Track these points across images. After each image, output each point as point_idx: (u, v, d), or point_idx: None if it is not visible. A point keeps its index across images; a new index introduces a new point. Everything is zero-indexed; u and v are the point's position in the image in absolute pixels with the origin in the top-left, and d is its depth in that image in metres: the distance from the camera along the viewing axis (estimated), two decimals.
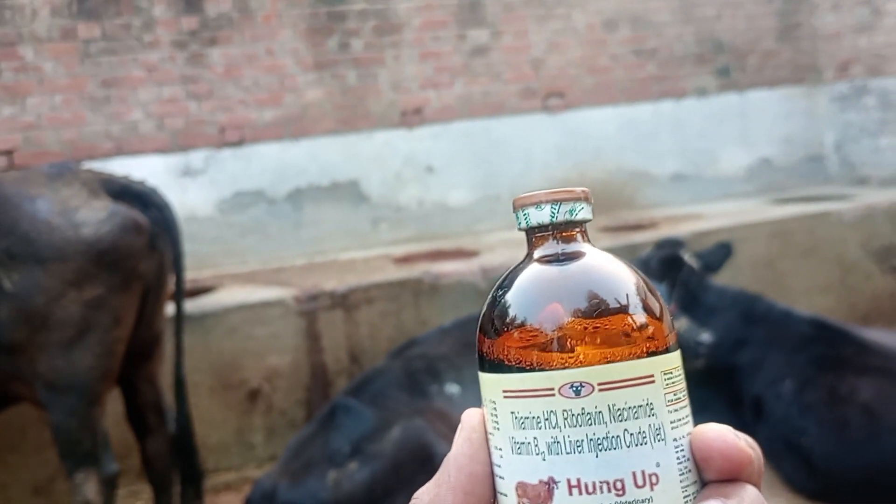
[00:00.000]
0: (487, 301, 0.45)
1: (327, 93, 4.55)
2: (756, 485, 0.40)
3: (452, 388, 2.74)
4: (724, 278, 3.29)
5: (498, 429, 0.42)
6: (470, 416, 0.44)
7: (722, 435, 0.40)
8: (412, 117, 4.68)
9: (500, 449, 0.42)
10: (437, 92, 4.71)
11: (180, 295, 2.68)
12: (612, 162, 4.97)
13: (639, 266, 2.85)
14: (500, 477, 0.42)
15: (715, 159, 5.18)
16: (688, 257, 3.11)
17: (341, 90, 4.57)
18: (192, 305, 3.36)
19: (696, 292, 3.05)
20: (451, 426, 2.45)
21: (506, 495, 0.41)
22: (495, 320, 0.43)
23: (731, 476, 0.40)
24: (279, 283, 3.70)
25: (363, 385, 2.76)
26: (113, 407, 2.66)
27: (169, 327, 2.70)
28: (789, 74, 5.34)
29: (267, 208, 4.46)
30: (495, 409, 0.42)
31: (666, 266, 3.12)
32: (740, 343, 2.90)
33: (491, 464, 0.43)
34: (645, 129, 5.05)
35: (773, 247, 4.12)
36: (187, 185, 4.35)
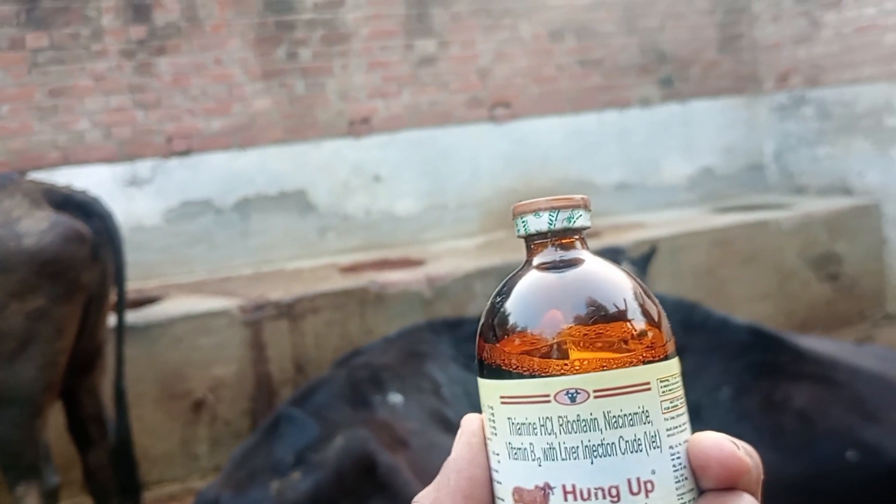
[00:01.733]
0: (486, 307, 0.45)
1: (275, 102, 4.55)
2: (754, 493, 0.40)
3: (395, 398, 2.76)
4: (664, 286, 3.38)
5: (496, 434, 0.42)
6: (469, 421, 0.45)
7: (719, 443, 0.40)
8: (360, 126, 4.70)
9: (498, 454, 0.42)
10: (384, 101, 4.74)
11: (122, 305, 2.67)
12: (558, 171, 5.03)
13: None
14: (498, 482, 0.42)
15: (658, 168, 5.28)
16: (624, 266, 3.18)
17: (289, 99, 4.57)
18: (137, 316, 3.34)
19: None
20: (394, 436, 2.47)
21: (503, 500, 0.41)
22: (493, 327, 0.44)
23: (728, 485, 0.39)
24: (225, 293, 3.69)
25: (307, 395, 2.76)
26: (55, 419, 2.63)
27: (112, 338, 2.68)
28: (730, 85, 5.47)
29: (214, 218, 4.45)
30: (493, 414, 0.42)
31: None
32: (679, 351, 2.96)
33: (490, 468, 0.43)
34: (590, 139, 5.13)
35: (713, 255, 4.23)
36: (134, 195, 4.31)
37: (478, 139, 4.90)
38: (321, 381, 2.82)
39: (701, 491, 0.40)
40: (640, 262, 3.28)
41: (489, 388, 0.43)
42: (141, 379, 3.18)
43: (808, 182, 5.23)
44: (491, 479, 0.42)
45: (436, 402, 2.77)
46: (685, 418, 0.42)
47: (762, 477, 0.41)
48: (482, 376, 0.44)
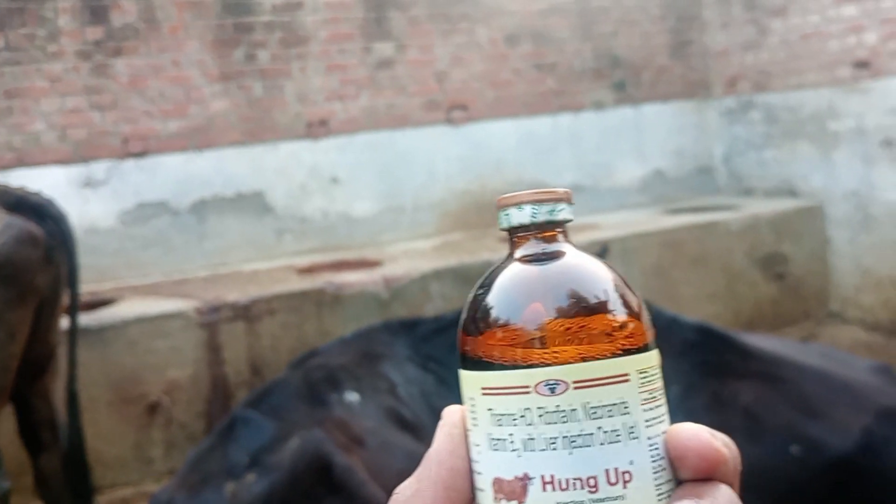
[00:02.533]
0: (468, 300, 0.45)
1: (233, 104, 4.55)
2: (732, 484, 0.40)
3: (352, 397, 2.78)
4: None
5: (476, 425, 0.42)
6: (451, 413, 0.45)
7: (697, 434, 0.40)
8: (318, 129, 4.72)
9: (478, 445, 0.42)
10: (342, 104, 4.76)
11: (75, 308, 2.66)
12: (513, 174, 5.10)
13: None
14: (478, 472, 0.42)
15: (611, 171, 5.38)
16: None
17: (247, 102, 4.57)
18: (91, 318, 3.32)
19: None
20: (351, 435, 2.50)
21: (483, 490, 0.42)
22: (475, 319, 0.44)
23: (706, 475, 0.40)
24: (181, 296, 3.69)
25: (263, 396, 2.77)
26: (6, 423, 2.61)
27: (64, 341, 2.67)
28: (681, 89, 5.59)
29: (170, 220, 4.43)
30: (474, 406, 0.43)
31: None
32: None
33: (470, 459, 0.43)
34: (544, 142, 5.20)
35: (664, 256, 4.33)
36: (89, 197, 4.28)
37: (434, 142, 4.95)
38: (277, 383, 2.83)
39: (679, 481, 0.41)
40: None
41: (470, 380, 0.43)
42: (94, 382, 3.17)
43: (755, 184, 5.37)
44: (471, 470, 0.43)
45: (392, 402, 2.81)
46: (664, 409, 0.42)
47: (740, 468, 0.41)
48: (464, 368, 0.44)
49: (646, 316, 0.43)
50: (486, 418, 0.42)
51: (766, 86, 5.23)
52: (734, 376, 2.75)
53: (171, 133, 4.43)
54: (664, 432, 0.41)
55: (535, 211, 0.45)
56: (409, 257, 4.21)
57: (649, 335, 0.43)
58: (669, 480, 0.40)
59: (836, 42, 4.72)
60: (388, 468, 2.62)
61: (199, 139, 4.48)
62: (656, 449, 0.40)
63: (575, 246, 0.46)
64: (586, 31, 5.30)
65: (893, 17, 4.35)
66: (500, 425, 0.41)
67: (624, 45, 5.41)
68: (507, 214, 0.46)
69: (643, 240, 4.27)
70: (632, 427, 0.40)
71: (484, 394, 0.42)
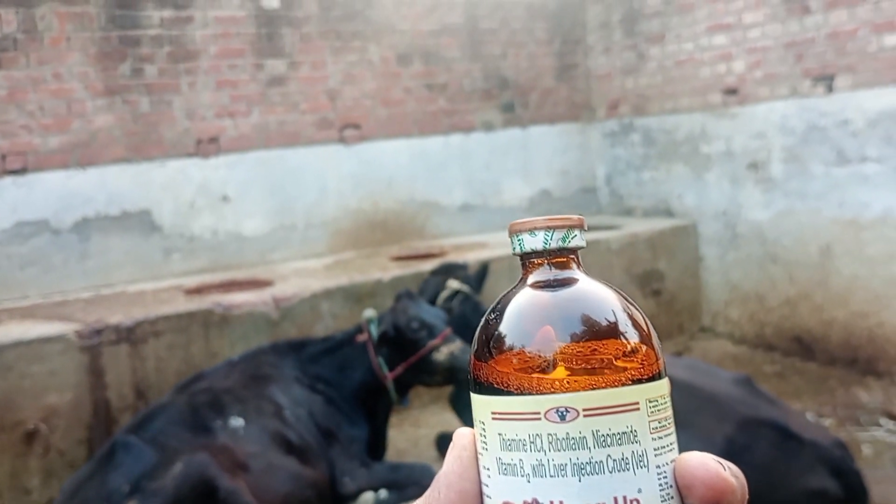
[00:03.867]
0: (481, 324, 0.45)
1: (118, 119, 4.44)
2: None
3: (237, 422, 2.78)
4: None
5: (486, 449, 0.43)
6: (461, 436, 0.45)
7: (704, 463, 0.40)
8: (207, 146, 4.66)
9: (488, 469, 0.42)
10: (233, 121, 4.72)
11: None
12: (404, 192, 5.18)
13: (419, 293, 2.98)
14: (488, 496, 0.42)
15: (499, 190, 5.54)
16: (458, 284, 3.37)
17: (133, 117, 4.47)
18: None
19: (470, 316, 3.32)
20: (235, 460, 2.51)
21: None
22: (486, 344, 0.44)
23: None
24: (61, 318, 3.58)
25: (145, 421, 2.73)
26: None
27: None
28: (566, 112, 5.81)
29: (50, 238, 4.28)
30: (484, 430, 0.43)
31: (438, 292, 3.37)
32: None
33: (480, 482, 0.43)
34: (435, 161, 5.30)
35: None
36: None
37: (326, 160, 4.97)
38: (160, 407, 2.80)
39: None
40: (475, 280, 3.49)
41: (481, 404, 0.43)
42: None
43: (635, 204, 5.64)
44: (481, 494, 0.43)
45: (277, 425, 2.83)
46: (673, 438, 0.43)
47: (747, 497, 0.42)
48: (475, 392, 0.44)
49: (657, 344, 0.44)
50: (496, 443, 0.42)
51: (645, 109, 5.49)
52: None
53: (52, 148, 4.29)
54: (673, 461, 0.42)
55: (547, 237, 0.45)
56: (300, 276, 4.22)
57: (660, 363, 0.43)
58: None
59: (707, 69, 5.03)
60: (272, 491, 2.65)
61: (81, 155, 4.35)
62: (665, 477, 0.41)
63: (586, 273, 0.46)
64: (475, 52, 5.44)
65: (759, 47, 4.68)
66: (510, 450, 0.41)
67: (512, 67, 5.58)
68: (520, 240, 0.46)
69: None
70: (641, 455, 0.40)
71: (494, 418, 0.42)
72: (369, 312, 3.00)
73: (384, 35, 5.12)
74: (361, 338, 2.97)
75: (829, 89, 4.30)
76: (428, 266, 4.17)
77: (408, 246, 5.00)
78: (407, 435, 3.73)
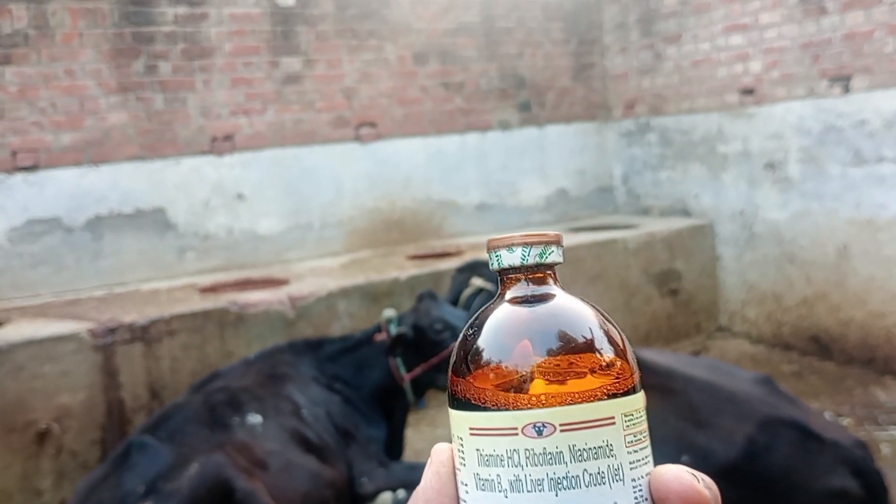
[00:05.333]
0: (458, 339, 0.46)
1: (132, 117, 4.40)
2: None
3: (254, 419, 2.74)
4: None
5: (464, 464, 0.43)
6: (439, 452, 0.45)
7: (679, 476, 0.41)
8: (222, 144, 4.63)
9: (466, 484, 0.43)
10: (248, 119, 4.69)
11: None
12: (421, 191, 5.15)
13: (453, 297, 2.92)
14: None
15: (516, 190, 5.50)
16: (482, 282, 3.33)
17: (147, 114, 4.44)
18: None
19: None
20: (253, 458, 2.46)
21: None
22: (464, 359, 0.44)
23: None
24: (74, 317, 3.53)
25: (161, 421, 2.69)
26: None
27: None
28: (583, 111, 5.78)
29: (63, 237, 4.24)
30: (462, 445, 0.43)
31: (462, 290, 3.33)
32: None
33: (458, 498, 0.43)
34: (452, 160, 5.27)
35: (564, 272, 4.43)
36: None
37: (342, 159, 4.93)
38: (176, 407, 2.76)
39: None
40: (495, 277, 3.44)
41: (459, 420, 0.43)
42: None
43: (651, 203, 5.61)
44: None
45: (296, 424, 2.78)
46: (648, 451, 0.43)
47: None
48: (453, 407, 0.44)
49: (632, 358, 0.44)
50: (473, 458, 0.42)
51: (662, 109, 5.46)
52: None
53: (64, 146, 4.25)
54: (648, 474, 0.42)
55: (524, 253, 0.46)
56: (316, 275, 4.18)
57: (635, 377, 0.44)
58: None
59: (724, 69, 4.99)
60: (291, 490, 2.60)
61: (94, 152, 4.32)
62: (640, 491, 0.41)
63: (563, 289, 0.46)
64: (492, 52, 5.41)
65: (776, 48, 4.64)
66: (487, 465, 0.41)
67: (529, 67, 5.55)
68: (497, 256, 0.47)
69: None
70: (617, 469, 0.41)
71: (472, 434, 0.42)
72: (389, 312, 2.95)
73: (400, 34, 5.09)
74: (380, 337, 2.92)
75: (846, 90, 4.27)
76: (445, 265, 4.12)
77: (424, 245, 4.96)
78: (424, 435, 3.69)
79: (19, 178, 4.15)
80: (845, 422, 3.54)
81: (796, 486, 2.45)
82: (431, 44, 5.20)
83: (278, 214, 4.76)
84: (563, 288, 0.46)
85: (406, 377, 2.87)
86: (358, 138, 5.00)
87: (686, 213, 5.29)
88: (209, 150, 4.59)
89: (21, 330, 3.35)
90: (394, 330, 2.89)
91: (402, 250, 4.82)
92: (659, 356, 3.13)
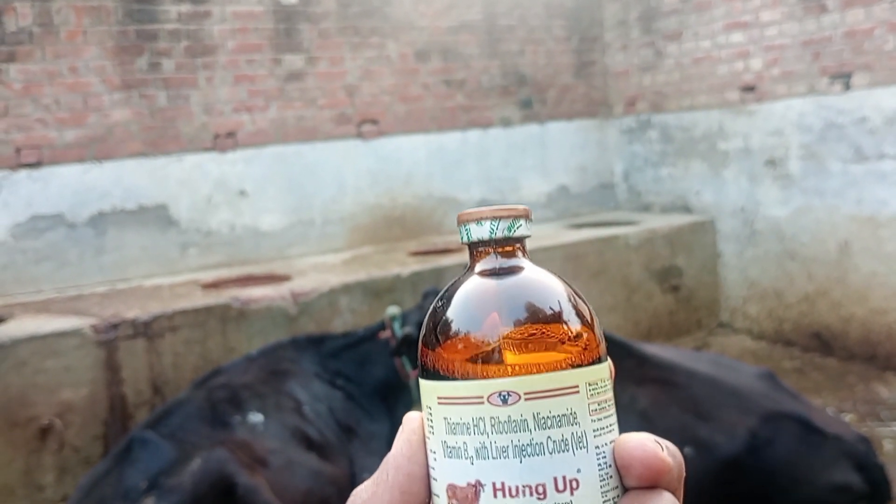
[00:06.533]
0: (429, 311, 0.46)
1: (135, 113, 4.41)
2: (675, 491, 0.42)
3: (256, 418, 2.75)
4: None
5: (433, 433, 0.43)
6: (410, 420, 0.46)
7: (643, 444, 0.41)
8: (225, 141, 4.64)
9: (434, 452, 0.43)
10: (250, 115, 4.70)
11: None
12: (422, 188, 5.15)
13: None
14: (434, 478, 0.43)
15: (517, 186, 5.50)
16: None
17: (150, 111, 4.45)
18: None
19: None
20: (254, 456, 2.47)
21: (438, 496, 0.43)
22: (433, 331, 0.45)
23: (650, 483, 0.41)
24: (76, 312, 3.55)
25: (163, 417, 2.70)
26: None
27: None
28: (584, 108, 5.78)
29: (66, 233, 4.25)
30: (431, 414, 0.44)
31: None
32: None
33: (427, 465, 0.44)
34: (453, 157, 5.27)
35: (567, 268, 4.47)
36: None
37: (344, 155, 4.94)
38: (178, 403, 2.77)
39: (625, 489, 0.42)
40: None
41: (428, 389, 0.44)
42: None
43: (652, 200, 5.61)
44: (428, 476, 0.44)
45: (297, 421, 2.79)
46: (613, 419, 0.43)
47: (684, 474, 0.43)
48: (423, 377, 0.45)
49: (598, 329, 0.45)
50: (441, 426, 0.43)
51: (662, 106, 5.47)
52: (632, 382, 2.86)
53: (68, 142, 4.27)
54: (612, 442, 0.42)
55: (493, 227, 0.46)
56: (318, 271, 4.19)
57: (601, 348, 0.44)
58: (616, 488, 0.42)
59: (725, 66, 4.99)
60: (292, 487, 2.61)
61: (97, 149, 4.33)
62: (604, 458, 0.42)
63: (532, 261, 0.47)
64: (494, 49, 5.41)
65: (776, 45, 4.65)
66: (454, 434, 0.42)
67: (530, 64, 5.55)
68: (467, 229, 0.47)
69: (547, 253, 4.39)
70: (580, 437, 0.41)
71: (440, 403, 0.43)
72: (393, 309, 2.96)
73: (402, 32, 5.09)
74: (384, 335, 2.92)
75: (847, 87, 4.28)
76: (446, 261, 4.13)
77: (426, 241, 4.97)
78: None
79: (23, 174, 4.17)
80: (847, 418, 3.55)
81: (799, 480, 2.45)
82: (433, 41, 5.20)
83: (280, 211, 4.77)
84: (532, 261, 0.47)
85: (412, 374, 2.88)
86: (360, 135, 5.01)
87: (687, 209, 5.29)
88: (212, 147, 4.61)
89: (24, 325, 3.37)
90: (398, 327, 2.89)
91: (403, 246, 4.83)
92: (661, 350, 3.13)
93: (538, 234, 4.79)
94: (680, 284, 4.91)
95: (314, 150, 4.85)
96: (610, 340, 2.89)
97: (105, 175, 4.34)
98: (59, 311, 3.61)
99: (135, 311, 3.47)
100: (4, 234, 4.12)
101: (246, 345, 3.52)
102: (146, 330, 3.42)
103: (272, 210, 4.75)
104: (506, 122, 5.47)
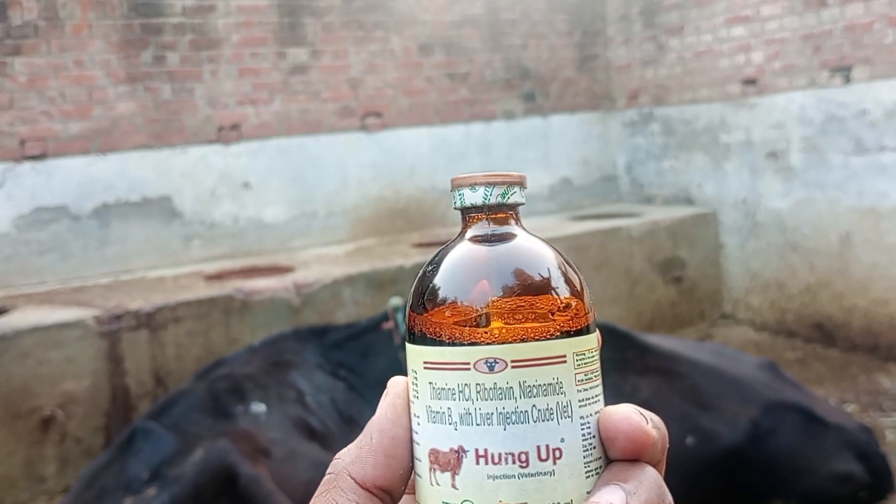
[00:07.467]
0: (418, 276, 0.46)
1: (140, 106, 4.43)
2: (658, 464, 0.42)
3: (258, 408, 2.76)
4: None
5: (417, 397, 0.43)
6: (395, 384, 0.45)
7: (627, 416, 0.41)
8: (229, 133, 4.66)
9: (418, 416, 0.43)
10: (254, 108, 4.72)
11: None
12: (426, 180, 5.16)
13: None
14: (417, 443, 0.43)
15: None
16: None
17: (154, 104, 4.47)
18: None
19: None
20: (256, 446, 2.48)
21: (420, 460, 0.43)
22: (422, 295, 0.44)
23: (633, 456, 0.41)
24: (80, 304, 3.57)
25: (165, 408, 2.71)
26: None
27: None
28: (586, 101, 5.78)
29: (70, 225, 4.28)
30: (416, 378, 0.44)
31: None
32: None
33: (411, 429, 0.44)
34: (456, 150, 5.28)
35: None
36: None
37: (347, 148, 4.95)
38: (180, 393, 2.78)
39: (609, 460, 0.42)
40: None
41: (414, 353, 0.44)
42: None
43: (655, 192, 5.62)
44: (412, 440, 0.44)
45: (300, 411, 2.80)
46: (599, 390, 0.43)
47: (667, 446, 0.43)
48: (409, 342, 0.45)
49: (588, 298, 0.45)
50: (426, 391, 0.43)
51: (664, 99, 5.47)
52: (634, 372, 2.87)
53: (73, 135, 4.29)
54: (597, 412, 0.42)
55: (487, 193, 0.46)
56: (322, 263, 4.20)
57: (590, 318, 0.44)
58: (599, 458, 0.42)
59: (726, 60, 4.99)
60: (294, 478, 2.62)
61: (102, 141, 4.35)
62: (588, 428, 0.41)
63: (525, 229, 0.46)
64: (497, 43, 5.42)
65: (777, 39, 4.65)
66: (439, 399, 0.42)
67: (533, 58, 5.56)
68: (460, 194, 0.47)
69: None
70: (565, 406, 0.41)
71: (426, 367, 0.43)
72: (396, 301, 2.97)
73: (406, 26, 5.11)
74: (387, 326, 2.93)
75: (847, 80, 4.28)
76: None
77: (429, 233, 4.98)
78: None
79: (27, 166, 4.19)
80: (850, 408, 3.55)
81: (800, 470, 2.46)
82: (437, 35, 5.21)
83: (284, 203, 4.79)
84: (525, 229, 0.46)
85: None
86: (363, 128, 5.02)
87: (689, 201, 5.30)
88: (216, 140, 4.62)
89: (27, 317, 3.38)
90: (400, 318, 2.90)
91: (406, 238, 4.84)
92: (663, 341, 3.14)
93: (541, 227, 4.80)
94: (682, 276, 4.91)
95: (318, 142, 4.86)
96: (613, 331, 2.91)
97: (109, 167, 4.36)
98: (62, 303, 3.63)
99: (138, 303, 3.49)
100: (8, 225, 4.15)
101: (249, 336, 3.53)
102: (149, 321, 3.44)
103: (276, 202, 4.76)
104: (509, 116, 5.48)
